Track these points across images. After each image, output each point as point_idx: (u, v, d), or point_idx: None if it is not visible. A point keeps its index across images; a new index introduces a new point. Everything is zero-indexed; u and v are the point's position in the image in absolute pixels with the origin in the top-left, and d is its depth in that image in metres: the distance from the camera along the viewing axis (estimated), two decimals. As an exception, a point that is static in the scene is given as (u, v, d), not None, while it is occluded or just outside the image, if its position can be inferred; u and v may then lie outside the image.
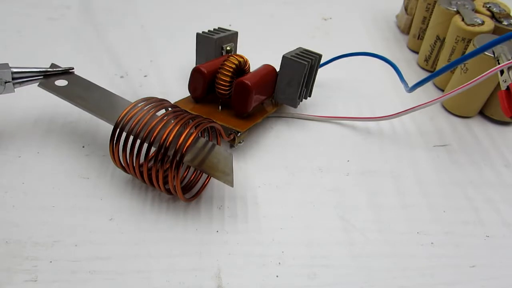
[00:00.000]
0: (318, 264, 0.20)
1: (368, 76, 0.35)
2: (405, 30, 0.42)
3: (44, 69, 0.24)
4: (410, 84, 0.27)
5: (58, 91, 0.24)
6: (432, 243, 0.22)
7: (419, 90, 0.27)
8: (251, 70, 0.28)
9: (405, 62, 0.37)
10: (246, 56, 0.27)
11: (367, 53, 0.31)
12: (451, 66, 0.25)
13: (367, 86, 0.34)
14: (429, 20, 0.36)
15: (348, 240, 0.22)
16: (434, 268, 0.21)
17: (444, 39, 0.33)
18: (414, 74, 0.36)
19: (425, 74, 0.36)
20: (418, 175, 0.26)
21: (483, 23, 0.30)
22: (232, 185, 0.20)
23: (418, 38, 0.38)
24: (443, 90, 0.34)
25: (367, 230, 0.22)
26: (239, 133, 0.25)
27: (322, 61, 0.29)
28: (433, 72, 0.26)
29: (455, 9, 0.32)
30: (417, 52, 0.39)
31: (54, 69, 0.24)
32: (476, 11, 0.33)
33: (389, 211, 0.23)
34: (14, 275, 0.18)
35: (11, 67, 0.23)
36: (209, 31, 0.29)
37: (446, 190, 0.25)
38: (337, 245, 0.21)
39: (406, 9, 0.42)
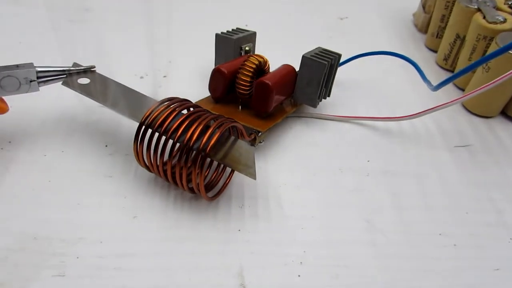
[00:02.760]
0: (340, 264, 0.20)
1: (386, 76, 0.35)
2: (423, 28, 0.41)
3: (67, 68, 0.24)
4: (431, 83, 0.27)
5: (81, 89, 0.24)
6: (455, 245, 0.22)
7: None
8: (270, 70, 0.28)
9: (423, 61, 0.37)
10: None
11: (387, 52, 0.31)
12: (481, 62, 0.24)
13: (386, 85, 0.34)
14: (448, 18, 0.36)
15: (370, 240, 0.22)
16: (457, 270, 0.21)
17: (464, 37, 0.33)
18: (433, 73, 0.36)
19: (444, 73, 0.36)
20: (440, 175, 0.26)
21: (505, 20, 0.30)
22: (254, 178, 0.20)
23: (436, 37, 0.38)
24: (463, 89, 0.33)
25: (389, 231, 0.22)
26: (259, 133, 0.25)
27: (340, 61, 0.29)
28: (460, 70, 0.25)
29: (475, 7, 0.32)
30: (435, 51, 0.38)
31: (77, 68, 0.25)
32: (498, 9, 0.32)
33: (411, 212, 0.23)
34: (42, 270, 0.19)
35: (35, 66, 0.23)
36: (227, 31, 0.30)
37: (469, 191, 0.25)
38: (359, 246, 0.21)
39: (423, 7, 0.41)
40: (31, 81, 0.23)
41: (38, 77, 0.23)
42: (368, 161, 0.26)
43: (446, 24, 0.36)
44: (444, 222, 0.23)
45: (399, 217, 0.23)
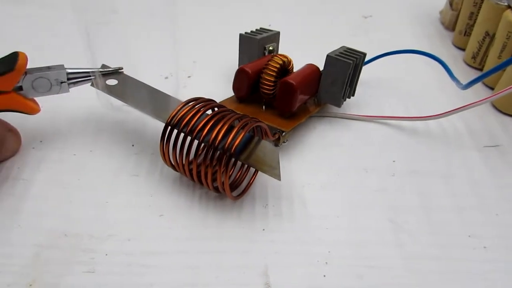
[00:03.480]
0: (366, 264, 0.20)
1: (412, 74, 0.34)
2: (450, 26, 0.41)
3: (95, 70, 0.25)
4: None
5: (108, 90, 0.25)
6: (484, 247, 0.21)
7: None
8: (294, 70, 0.28)
9: (450, 59, 0.36)
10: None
11: (413, 51, 0.30)
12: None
13: (411, 84, 0.33)
14: (477, 15, 0.35)
15: (396, 241, 0.21)
16: (487, 273, 0.20)
17: (494, 35, 0.32)
18: (461, 71, 0.35)
19: (472, 72, 0.35)
20: (469, 176, 0.25)
21: (537, 18, 0.29)
22: (279, 179, 0.20)
23: (464, 35, 0.37)
24: (492, 88, 0.33)
25: (416, 232, 0.22)
26: (283, 133, 0.25)
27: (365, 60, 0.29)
28: (491, 68, 0.24)
29: (506, 4, 0.31)
30: (463, 49, 0.37)
31: (105, 69, 0.25)
32: (529, 6, 0.31)
33: (439, 212, 0.23)
34: (73, 266, 0.19)
35: (66, 68, 0.24)
36: (251, 31, 0.30)
37: (499, 192, 0.24)
38: (385, 246, 0.21)
39: (451, 5, 0.40)
40: (61, 83, 0.24)
41: (68, 79, 0.24)
42: (394, 161, 0.26)
43: (474, 22, 0.35)
44: (473, 224, 0.22)
45: (426, 217, 0.23)
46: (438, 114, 0.27)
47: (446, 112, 0.26)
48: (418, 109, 0.30)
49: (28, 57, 0.23)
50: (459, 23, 0.38)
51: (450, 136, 0.28)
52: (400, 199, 0.24)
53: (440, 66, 0.29)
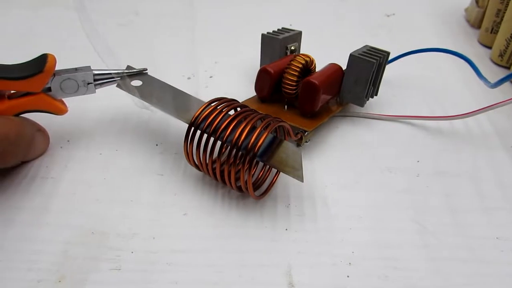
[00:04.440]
0: (390, 266, 0.20)
1: (436, 73, 0.34)
2: (476, 23, 0.40)
3: (121, 71, 0.26)
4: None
5: (133, 91, 0.25)
6: (513, 249, 0.21)
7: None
8: (316, 69, 0.28)
9: (476, 58, 0.35)
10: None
11: (439, 49, 0.30)
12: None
13: (436, 83, 0.33)
14: (504, 12, 0.34)
15: (421, 242, 0.21)
16: (516, 276, 0.20)
17: (522, 32, 0.31)
18: (487, 70, 0.34)
19: (499, 70, 0.34)
20: (497, 177, 0.25)
21: None
22: (302, 180, 0.20)
23: (491, 32, 0.36)
24: (520, 87, 0.32)
25: (441, 233, 0.21)
26: (306, 133, 0.25)
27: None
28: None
29: (535, 0, 0.30)
30: (489, 47, 0.37)
31: (130, 71, 0.26)
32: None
33: (466, 214, 0.22)
34: (100, 263, 0.19)
35: (92, 70, 0.25)
36: (273, 31, 0.30)
37: (528, 194, 0.24)
38: (409, 247, 0.21)
39: (476, 2, 0.39)
40: (88, 84, 0.24)
41: (94, 80, 0.25)
42: (418, 161, 0.26)
43: (501, 19, 0.34)
44: (502, 226, 0.22)
45: (453, 219, 0.22)
46: (465, 114, 0.26)
47: (473, 112, 0.26)
48: (443, 108, 0.29)
49: (56, 59, 0.23)
50: (485, 20, 0.37)
51: (476, 136, 0.27)
52: (425, 200, 0.23)
53: (465, 64, 0.28)
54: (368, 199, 0.23)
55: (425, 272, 0.20)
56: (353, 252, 0.21)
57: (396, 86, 0.32)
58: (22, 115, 0.23)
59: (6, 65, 0.23)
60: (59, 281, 0.19)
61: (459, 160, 0.26)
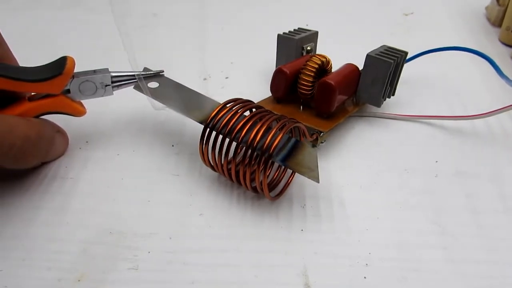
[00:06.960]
0: (408, 267, 0.20)
1: (455, 72, 0.33)
2: (496, 22, 0.39)
3: (138, 73, 0.26)
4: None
5: (150, 93, 0.25)
6: (537, 251, 0.20)
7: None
8: (332, 70, 0.27)
9: (497, 57, 0.35)
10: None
11: (459, 48, 0.29)
12: None
13: (455, 82, 0.32)
14: (526, 10, 0.33)
15: (440, 244, 0.21)
16: (540, 279, 0.19)
17: (545, 30, 0.30)
18: (508, 68, 0.33)
19: (521, 69, 0.33)
20: (518, 177, 0.24)
21: None
22: (318, 181, 0.20)
23: (512, 30, 0.35)
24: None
25: (461, 234, 0.21)
26: (322, 133, 0.24)
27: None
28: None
29: (558, -3, 0.29)
30: (510, 46, 0.36)
31: (147, 73, 0.26)
32: None
33: (486, 215, 0.22)
34: (118, 263, 0.20)
35: (110, 72, 0.25)
36: (289, 31, 0.30)
37: (552, 195, 0.23)
38: (428, 249, 0.20)
39: (497, 0, 0.39)
40: (106, 86, 0.25)
41: (112, 82, 0.25)
42: (437, 161, 0.25)
43: (523, 16, 0.34)
44: (524, 228, 0.21)
45: (473, 220, 0.22)
46: (486, 113, 0.26)
47: (494, 111, 0.25)
48: (463, 108, 0.29)
49: (75, 61, 0.24)
50: (506, 18, 0.36)
51: (498, 136, 0.27)
52: (444, 200, 0.23)
53: (484, 63, 0.28)
54: (385, 199, 0.23)
55: (445, 273, 0.19)
56: (370, 253, 0.20)
57: (414, 86, 0.32)
58: (42, 117, 0.24)
59: (26, 67, 0.23)
60: (79, 280, 0.19)
61: (479, 160, 0.25)
